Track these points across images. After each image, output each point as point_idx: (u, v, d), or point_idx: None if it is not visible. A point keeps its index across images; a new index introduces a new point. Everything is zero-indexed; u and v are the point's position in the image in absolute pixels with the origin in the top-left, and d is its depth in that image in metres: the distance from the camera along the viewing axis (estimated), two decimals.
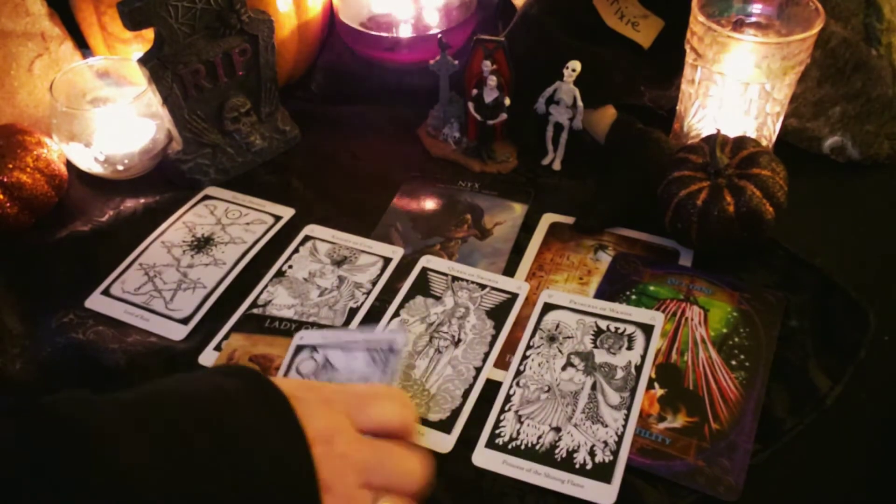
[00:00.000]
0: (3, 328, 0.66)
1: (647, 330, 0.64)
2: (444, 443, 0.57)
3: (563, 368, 0.62)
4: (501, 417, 0.59)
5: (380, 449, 0.41)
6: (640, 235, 0.73)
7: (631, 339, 0.63)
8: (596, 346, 0.63)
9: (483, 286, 0.69)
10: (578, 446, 0.56)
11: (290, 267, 0.72)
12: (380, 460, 0.40)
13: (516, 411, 0.59)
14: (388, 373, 0.55)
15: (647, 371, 0.61)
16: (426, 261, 0.72)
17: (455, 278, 0.70)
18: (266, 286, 0.70)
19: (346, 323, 0.66)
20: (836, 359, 0.61)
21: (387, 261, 0.72)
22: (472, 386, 0.61)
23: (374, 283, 0.70)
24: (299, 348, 0.60)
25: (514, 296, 0.68)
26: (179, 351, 0.65)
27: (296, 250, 0.73)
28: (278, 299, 0.68)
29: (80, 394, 0.37)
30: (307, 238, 0.74)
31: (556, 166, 0.81)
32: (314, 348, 0.60)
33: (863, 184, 0.78)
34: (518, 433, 0.57)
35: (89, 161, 0.78)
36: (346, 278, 0.70)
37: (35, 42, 0.81)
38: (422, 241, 0.74)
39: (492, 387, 0.61)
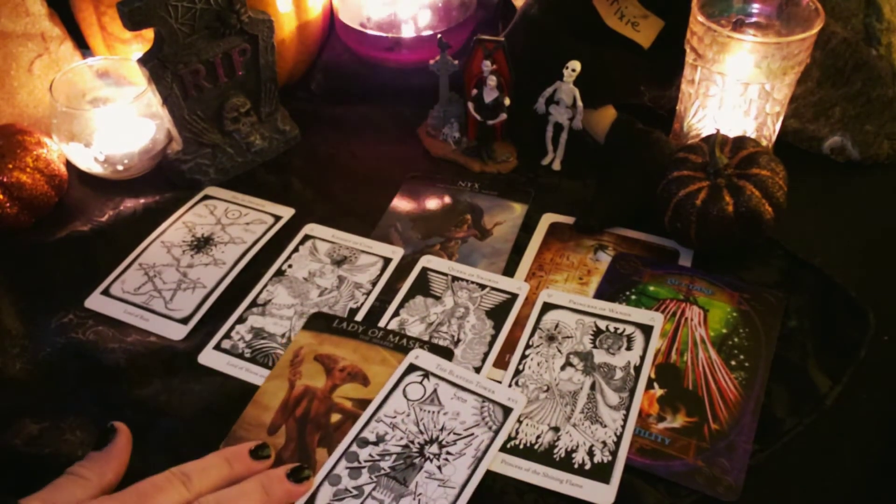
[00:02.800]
0: (3, 328, 0.66)
1: (647, 330, 0.63)
2: None
3: (562, 368, 0.61)
4: None
5: None
6: (640, 235, 0.73)
7: (630, 339, 0.63)
8: (595, 346, 0.63)
9: (483, 286, 0.69)
10: (577, 446, 0.56)
11: (290, 266, 0.72)
12: None
13: None
14: (494, 432, 0.56)
15: (647, 371, 0.61)
16: (426, 261, 0.72)
17: (455, 278, 0.70)
18: (266, 286, 0.70)
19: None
20: (836, 359, 0.61)
21: (387, 261, 0.72)
22: None
23: (374, 284, 0.70)
24: (411, 367, 0.60)
25: (514, 296, 0.68)
26: (179, 351, 0.65)
27: (295, 249, 0.73)
28: (278, 299, 0.68)
29: None
30: (307, 237, 0.74)
31: (556, 166, 0.81)
32: (427, 374, 0.60)
33: (863, 184, 0.78)
34: (517, 432, 0.57)
35: (89, 161, 0.78)
36: (345, 278, 0.70)
37: (35, 42, 0.81)
38: (422, 241, 0.74)
39: None
